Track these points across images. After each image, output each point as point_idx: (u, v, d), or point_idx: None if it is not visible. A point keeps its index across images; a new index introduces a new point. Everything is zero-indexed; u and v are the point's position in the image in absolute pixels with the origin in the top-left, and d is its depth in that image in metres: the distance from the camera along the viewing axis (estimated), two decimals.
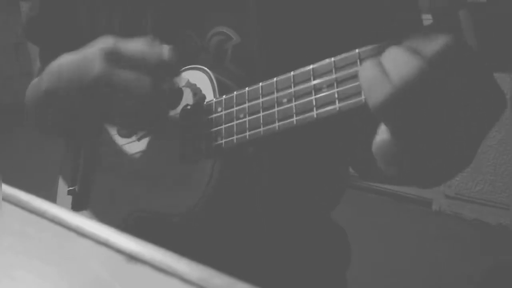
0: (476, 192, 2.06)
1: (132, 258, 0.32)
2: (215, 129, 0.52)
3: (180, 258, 0.30)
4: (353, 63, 0.41)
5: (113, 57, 0.48)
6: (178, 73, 0.53)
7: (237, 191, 0.58)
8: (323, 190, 0.69)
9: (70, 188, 0.67)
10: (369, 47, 0.41)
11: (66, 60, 0.54)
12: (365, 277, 1.62)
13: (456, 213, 2.12)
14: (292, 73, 0.46)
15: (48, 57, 0.74)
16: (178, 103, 0.56)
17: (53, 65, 0.56)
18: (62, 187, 0.70)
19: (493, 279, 1.74)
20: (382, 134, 0.38)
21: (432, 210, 2.17)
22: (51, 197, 0.70)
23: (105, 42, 0.50)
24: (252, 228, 0.63)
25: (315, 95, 0.44)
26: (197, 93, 0.55)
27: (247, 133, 0.49)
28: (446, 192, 2.12)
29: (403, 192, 2.22)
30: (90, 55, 0.50)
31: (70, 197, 0.67)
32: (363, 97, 0.40)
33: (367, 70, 0.36)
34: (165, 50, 0.49)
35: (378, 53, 0.39)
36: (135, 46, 0.49)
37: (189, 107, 0.56)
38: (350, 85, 0.41)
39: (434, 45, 0.34)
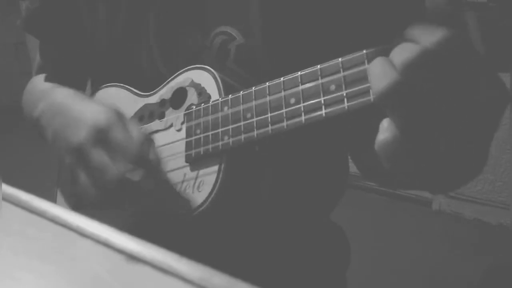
0: (476, 192, 2.06)
1: (132, 258, 0.32)
2: (222, 128, 0.52)
3: (180, 258, 0.30)
4: (361, 63, 0.42)
5: (100, 136, 0.51)
6: (155, 176, 0.52)
7: (241, 191, 0.58)
8: (322, 190, 0.69)
9: (72, 186, 0.66)
10: (376, 48, 0.41)
11: (62, 108, 0.58)
12: (365, 277, 1.62)
13: (456, 213, 2.12)
14: (299, 73, 0.47)
15: (48, 50, 0.74)
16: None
17: (53, 102, 0.60)
18: (62, 187, 0.70)
19: (493, 279, 1.74)
20: (385, 132, 0.37)
21: (432, 209, 2.17)
22: (51, 197, 0.70)
23: (100, 119, 0.51)
24: (252, 228, 0.63)
25: (323, 95, 0.44)
26: (202, 92, 0.55)
27: (255, 132, 0.49)
28: None
29: (403, 192, 2.22)
30: (82, 123, 0.52)
31: (70, 197, 0.67)
32: (371, 96, 0.40)
33: (376, 65, 0.36)
34: (152, 152, 0.51)
35: (385, 53, 0.39)
36: (124, 136, 0.50)
37: (194, 106, 0.56)
38: (359, 85, 0.42)
39: (434, 35, 0.34)
